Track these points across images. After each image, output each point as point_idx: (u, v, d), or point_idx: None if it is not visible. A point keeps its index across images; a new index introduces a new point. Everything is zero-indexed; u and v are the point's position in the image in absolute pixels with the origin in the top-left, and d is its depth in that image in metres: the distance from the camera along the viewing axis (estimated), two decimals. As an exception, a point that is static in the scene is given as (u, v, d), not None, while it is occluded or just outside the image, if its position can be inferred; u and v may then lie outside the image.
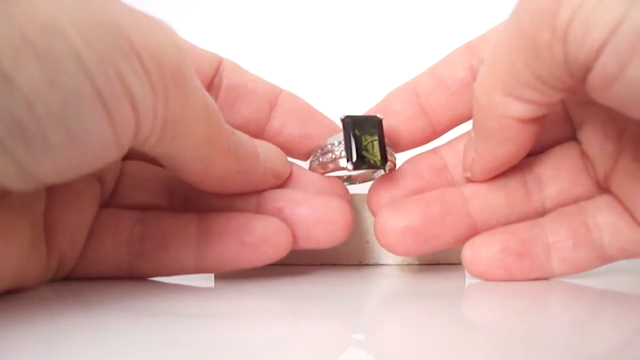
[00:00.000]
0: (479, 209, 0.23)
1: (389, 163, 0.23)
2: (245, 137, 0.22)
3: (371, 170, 0.24)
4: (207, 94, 0.19)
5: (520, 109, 0.19)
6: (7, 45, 0.13)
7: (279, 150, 0.24)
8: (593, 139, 0.22)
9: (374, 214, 0.24)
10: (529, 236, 0.22)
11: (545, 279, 0.22)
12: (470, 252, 0.22)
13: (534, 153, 0.23)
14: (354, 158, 0.23)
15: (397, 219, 0.22)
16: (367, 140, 0.23)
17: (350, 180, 0.26)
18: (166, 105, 0.17)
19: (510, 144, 0.21)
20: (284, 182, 0.24)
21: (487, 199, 0.23)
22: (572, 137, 0.24)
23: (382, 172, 0.24)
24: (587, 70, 0.17)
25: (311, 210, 0.23)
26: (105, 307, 0.18)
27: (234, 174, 0.21)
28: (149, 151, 0.18)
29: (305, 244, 0.23)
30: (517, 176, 0.23)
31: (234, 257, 0.22)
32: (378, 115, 0.24)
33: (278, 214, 0.23)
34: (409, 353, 0.14)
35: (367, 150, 0.23)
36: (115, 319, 0.17)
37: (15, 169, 0.15)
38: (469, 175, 0.23)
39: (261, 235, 0.22)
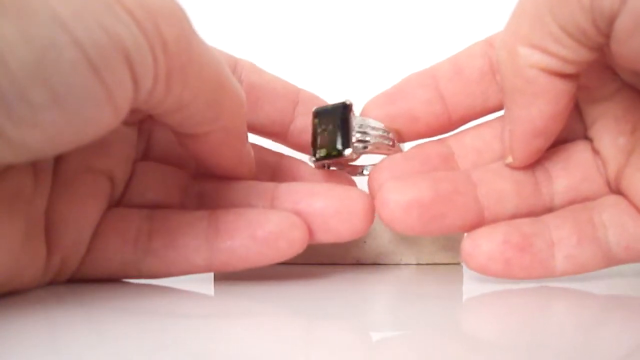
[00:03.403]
0: (487, 195, 0.22)
1: (349, 150, 0.23)
2: None
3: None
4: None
5: (545, 60, 0.19)
6: None
7: None
8: (606, 134, 0.22)
9: (374, 193, 0.23)
10: (532, 231, 0.21)
11: (546, 277, 0.22)
12: (470, 244, 0.21)
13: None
14: (315, 154, 0.23)
15: (402, 191, 0.21)
16: (328, 131, 0.23)
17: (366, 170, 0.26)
18: (166, 52, 0.16)
19: (541, 101, 0.20)
20: (293, 179, 0.24)
21: (496, 186, 0.22)
22: (583, 135, 0.23)
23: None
24: (612, 18, 0.17)
25: (329, 202, 0.22)
26: (105, 308, 0.18)
27: (239, 130, 0.21)
28: (159, 106, 0.18)
29: (323, 237, 0.22)
30: (526, 168, 0.23)
31: (246, 254, 0.21)
32: (346, 101, 0.23)
33: (294, 207, 0.22)
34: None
35: (325, 141, 0.23)
36: (116, 320, 0.17)
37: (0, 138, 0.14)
38: (510, 160, 0.22)
39: (274, 230, 0.21)
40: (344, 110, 0.23)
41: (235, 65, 0.24)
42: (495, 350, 0.14)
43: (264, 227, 0.21)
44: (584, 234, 0.21)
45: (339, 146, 0.23)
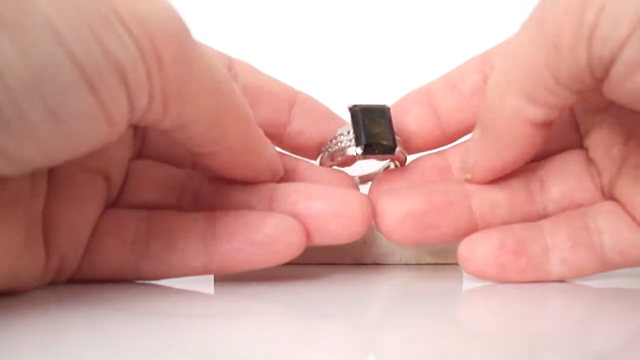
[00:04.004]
0: (481, 205, 0.23)
1: (398, 148, 0.23)
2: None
3: (380, 157, 0.24)
4: (212, 59, 0.18)
5: (534, 112, 0.19)
6: None
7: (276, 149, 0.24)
8: (600, 144, 0.22)
9: (373, 206, 0.23)
10: (527, 236, 0.22)
11: (543, 281, 0.22)
12: (466, 249, 0.22)
13: (540, 158, 0.24)
14: (364, 143, 0.23)
15: (398, 204, 0.22)
16: (376, 126, 0.23)
17: (359, 180, 0.26)
18: (162, 72, 0.16)
19: (517, 146, 0.21)
20: (292, 178, 0.24)
21: (489, 196, 0.23)
22: (578, 145, 0.24)
23: (388, 164, 0.24)
24: (608, 67, 0.17)
25: (327, 204, 0.22)
26: (105, 308, 0.18)
27: (248, 148, 0.21)
28: (158, 124, 0.18)
29: (321, 239, 0.22)
30: (520, 178, 0.23)
31: (244, 257, 0.21)
32: (386, 104, 0.24)
33: (292, 209, 0.22)
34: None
35: (376, 136, 0.23)
36: (116, 320, 0.17)
37: None
38: (468, 176, 0.23)
39: (271, 233, 0.21)
40: (388, 112, 0.24)
41: (231, 65, 0.24)
42: (495, 347, 0.14)
43: (262, 230, 0.21)
44: (579, 239, 0.22)
45: (390, 143, 0.23)
